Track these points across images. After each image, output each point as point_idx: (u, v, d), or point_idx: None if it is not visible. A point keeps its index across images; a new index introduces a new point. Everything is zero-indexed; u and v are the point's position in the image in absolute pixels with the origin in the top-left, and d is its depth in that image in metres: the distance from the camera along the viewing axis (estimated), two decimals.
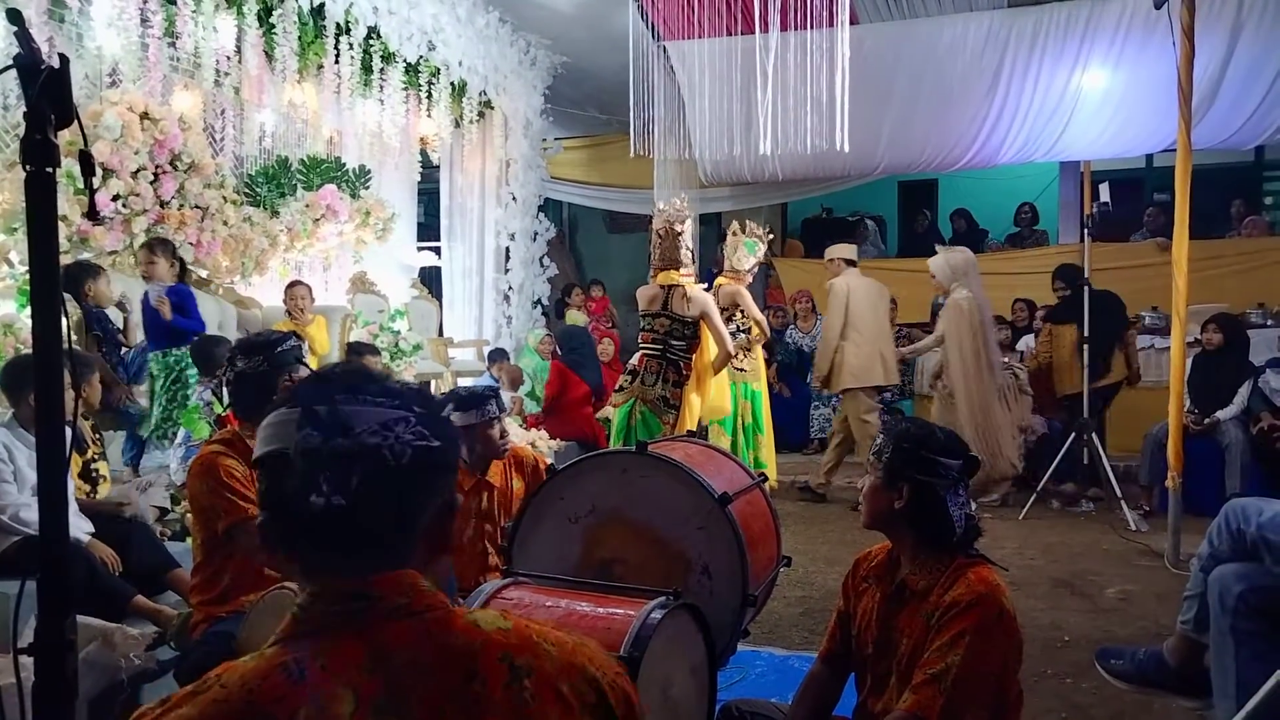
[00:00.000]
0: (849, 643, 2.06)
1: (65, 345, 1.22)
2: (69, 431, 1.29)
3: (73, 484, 3.33)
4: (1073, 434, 5.88)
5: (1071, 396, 6.14)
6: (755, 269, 6.18)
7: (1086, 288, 5.94)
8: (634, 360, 4.94)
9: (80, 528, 3.10)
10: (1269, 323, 7.07)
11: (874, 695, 1.96)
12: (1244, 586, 2.40)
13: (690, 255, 4.89)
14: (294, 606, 0.90)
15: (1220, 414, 5.62)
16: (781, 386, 8.00)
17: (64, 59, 1.19)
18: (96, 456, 3.72)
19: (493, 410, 3.18)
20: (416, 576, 0.92)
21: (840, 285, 6.15)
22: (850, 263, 6.38)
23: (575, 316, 9.44)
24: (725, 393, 5.30)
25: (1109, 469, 5.75)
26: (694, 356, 4.89)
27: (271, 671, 0.83)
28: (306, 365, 2.56)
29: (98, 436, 3.83)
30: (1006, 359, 6.40)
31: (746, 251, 5.94)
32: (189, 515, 3.70)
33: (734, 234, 6.01)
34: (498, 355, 7.78)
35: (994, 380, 6.00)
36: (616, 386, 5.00)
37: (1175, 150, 4.60)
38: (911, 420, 2.05)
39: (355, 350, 5.75)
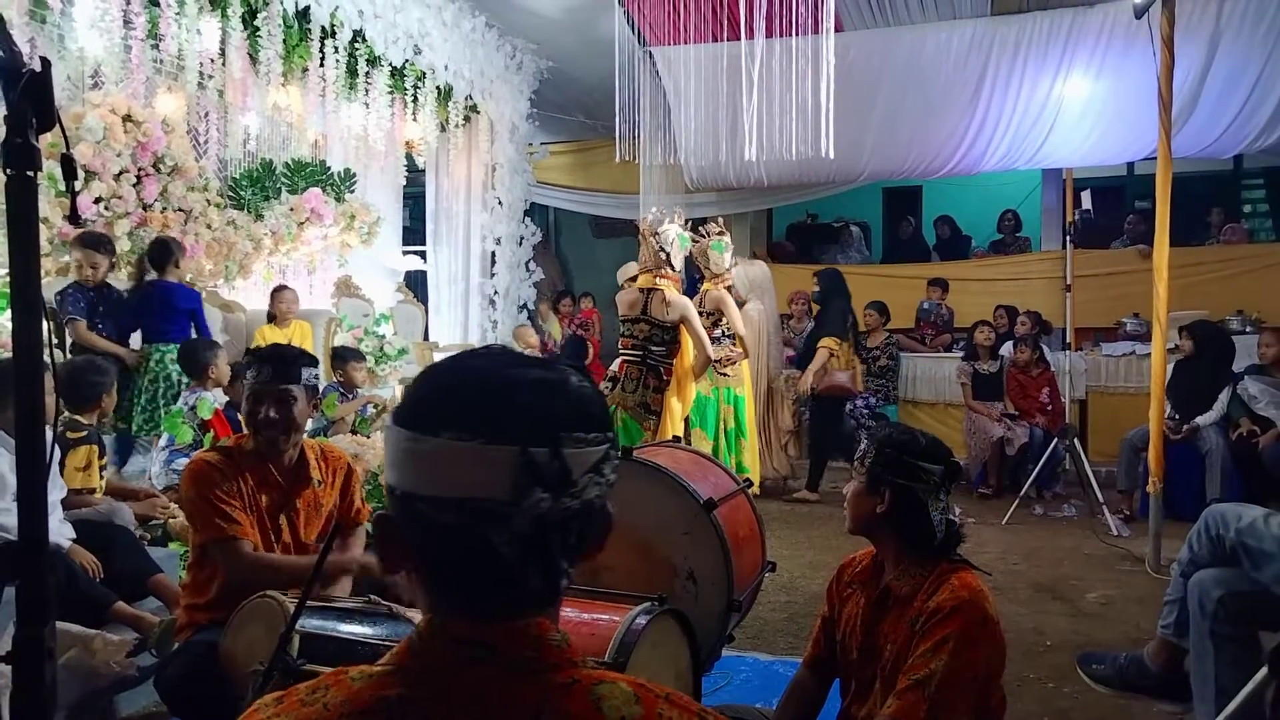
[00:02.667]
0: (834, 648, 2.06)
1: (46, 350, 1.21)
2: (49, 435, 1.28)
3: (63, 490, 3.30)
4: (1054, 440, 5.94)
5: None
6: (734, 266, 6.21)
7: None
8: (614, 366, 4.94)
9: (62, 533, 3.07)
10: (1248, 329, 7.15)
11: (858, 701, 1.96)
12: (1223, 591, 2.42)
13: (666, 258, 4.88)
14: (413, 633, 0.81)
15: (1199, 420, 5.68)
16: None
17: (45, 62, 1.19)
18: (104, 465, 3.71)
19: None
20: (547, 626, 0.81)
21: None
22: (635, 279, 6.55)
23: (554, 325, 9.44)
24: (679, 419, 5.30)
25: (1091, 474, 5.80)
26: (674, 361, 4.89)
27: (374, 706, 0.76)
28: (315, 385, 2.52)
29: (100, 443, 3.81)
30: (786, 371, 7.02)
31: (718, 253, 5.95)
32: (171, 521, 3.69)
33: (694, 241, 5.98)
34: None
35: (767, 385, 6.77)
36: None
37: (1156, 159, 4.64)
38: (894, 425, 2.07)
39: (340, 355, 5.73)
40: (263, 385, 2.37)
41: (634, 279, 6.24)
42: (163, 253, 4.85)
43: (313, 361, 2.48)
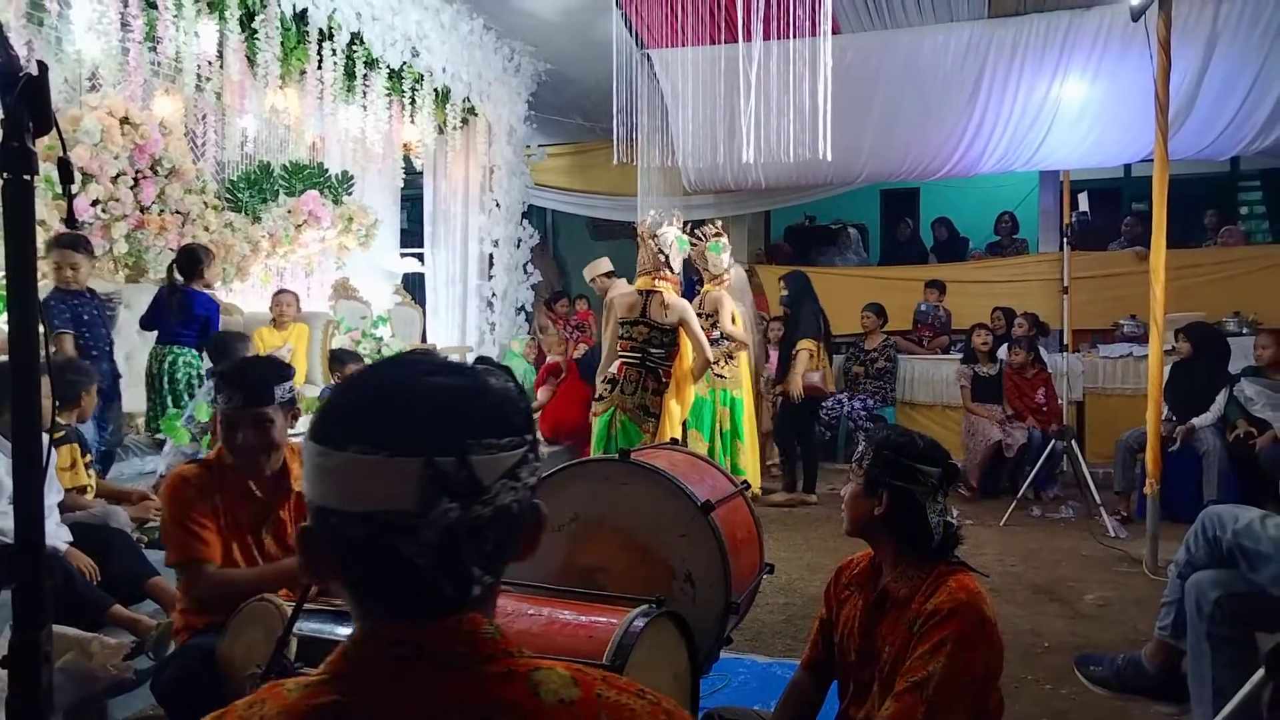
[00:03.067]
0: (831, 650, 2.06)
1: (42, 354, 1.21)
2: (46, 440, 1.28)
3: (60, 493, 3.30)
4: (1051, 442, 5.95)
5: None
6: (732, 266, 6.21)
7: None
8: (613, 368, 4.93)
9: (59, 536, 3.06)
10: (1244, 331, 7.16)
11: (856, 703, 1.96)
12: (1220, 593, 2.42)
13: (665, 260, 4.89)
14: (346, 641, 0.82)
15: (1196, 421, 5.68)
16: None
17: (43, 66, 1.19)
18: (89, 464, 3.71)
19: None
20: (479, 621, 0.81)
21: (609, 299, 5.92)
22: (610, 274, 6.33)
23: (550, 329, 9.42)
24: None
25: (1088, 476, 5.80)
26: (674, 364, 4.89)
27: (309, 715, 0.77)
28: (294, 402, 2.47)
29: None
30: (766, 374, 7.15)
31: (715, 254, 5.97)
32: None
33: (693, 244, 5.98)
34: (482, 362, 7.83)
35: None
36: (596, 395, 5.00)
37: (1153, 161, 4.65)
38: (892, 428, 2.07)
39: (338, 357, 5.74)
40: (236, 411, 2.31)
41: (608, 274, 6.23)
42: (190, 261, 4.95)
43: (286, 374, 2.41)
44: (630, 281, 5.92)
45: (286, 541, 2.44)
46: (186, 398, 4.67)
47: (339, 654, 0.81)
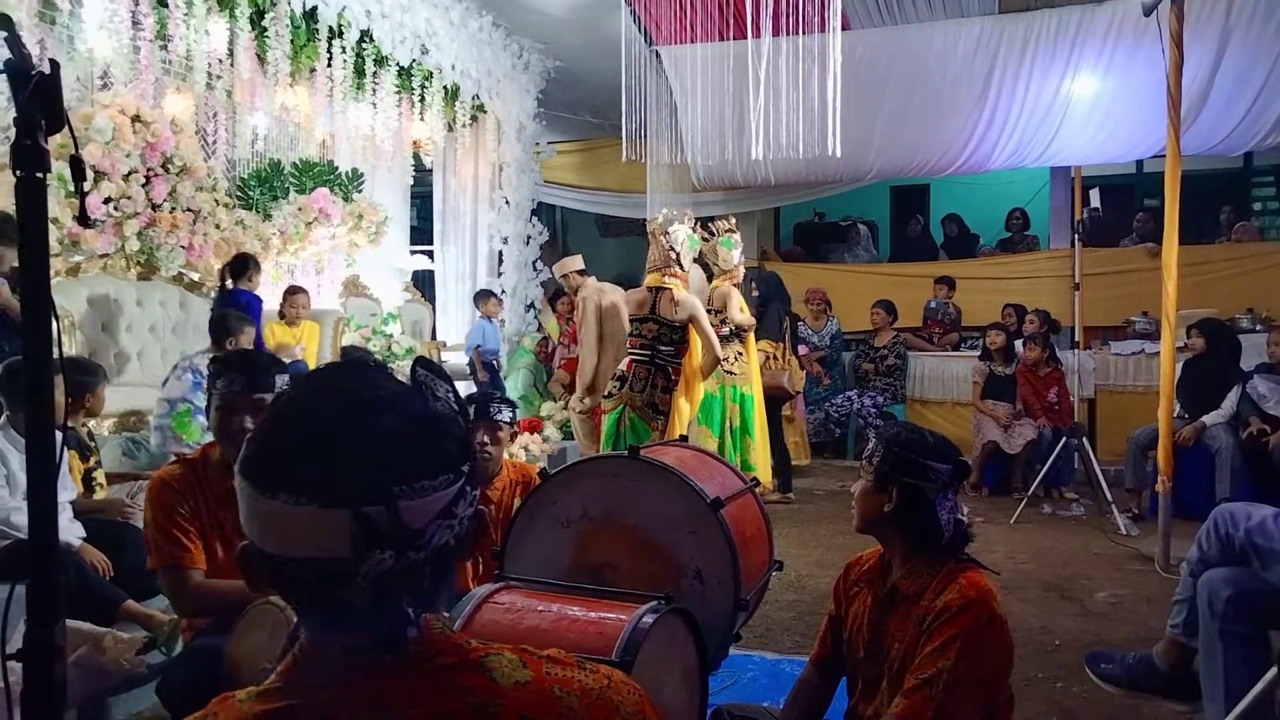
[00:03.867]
0: (840, 647, 2.06)
1: (56, 351, 1.21)
2: (59, 436, 1.28)
3: (73, 490, 3.31)
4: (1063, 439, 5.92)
5: None
6: (743, 262, 6.21)
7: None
8: (622, 366, 4.93)
9: (72, 532, 3.08)
10: (1258, 328, 7.11)
11: (865, 700, 1.96)
12: (1232, 591, 2.41)
13: (676, 258, 4.89)
14: (296, 648, 0.83)
15: (1207, 418, 5.65)
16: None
17: (55, 64, 1.19)
18: (96, 464, 3.70)
19: (500, 419, 3.22)
20: (428, 621, 0.83)
21: (581, 297, 5.91)
22: (582, 272, 6.21)
23: (551, 324, 9.43)
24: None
25: (1099, 473, 5.78)
26: (683, 361, 4.89)
27: None
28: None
29: (93, 444, 3.81)
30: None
31: (726, 249, 5.97)
32: None
33: (704, 239, 5.98)
34: (484, 295, 7.86)
35: None
36: (605, 393, 5.00)
37: (1165, 156, 4.62)
38: (902, 424, 2.07)
39: (349, 355, 5.76)
40: (236, 395, 2.26)
41: (580, 272, 6.23)
42: (240, 266, 5.34)
43: (283, 369, 2.40)
44: (600, 280, 5.97)
45: None
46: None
47: (290, 661, 0.82)
